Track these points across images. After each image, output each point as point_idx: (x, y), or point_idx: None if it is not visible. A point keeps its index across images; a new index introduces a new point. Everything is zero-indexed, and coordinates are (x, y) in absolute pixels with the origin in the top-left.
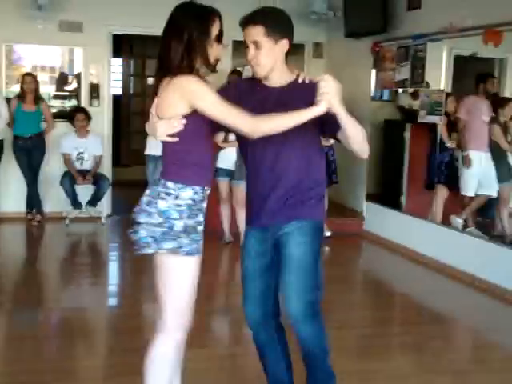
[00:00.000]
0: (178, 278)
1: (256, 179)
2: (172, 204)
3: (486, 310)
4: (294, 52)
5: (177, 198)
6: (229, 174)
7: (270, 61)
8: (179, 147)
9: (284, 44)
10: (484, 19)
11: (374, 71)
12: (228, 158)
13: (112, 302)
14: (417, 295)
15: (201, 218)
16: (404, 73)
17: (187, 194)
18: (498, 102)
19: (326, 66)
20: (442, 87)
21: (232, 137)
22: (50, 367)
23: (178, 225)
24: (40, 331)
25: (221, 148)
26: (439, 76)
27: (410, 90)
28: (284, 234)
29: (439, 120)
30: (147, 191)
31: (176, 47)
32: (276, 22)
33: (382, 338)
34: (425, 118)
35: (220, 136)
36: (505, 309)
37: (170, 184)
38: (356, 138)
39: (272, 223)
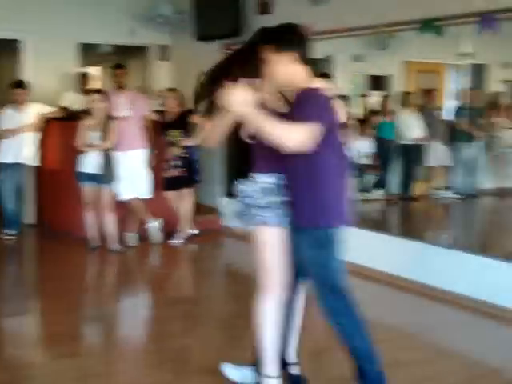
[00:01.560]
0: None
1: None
2: None
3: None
4: (139, 55)
5: None
6: (92, 178)
7: None
8: None
9: None
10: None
11: None
12: (91, 162)
13: None
14: None
15: None
16: None
17: None
18: None
19: (173, 69)
20: None
21: (96, 141)
22: None
23: None
24: None
25: (82, 152)
26: None
27: None
28: None
29: None
30: None
31: None
32: None
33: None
34: None
35: (81, 140)
36: (366, 285)
37: None
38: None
39: None
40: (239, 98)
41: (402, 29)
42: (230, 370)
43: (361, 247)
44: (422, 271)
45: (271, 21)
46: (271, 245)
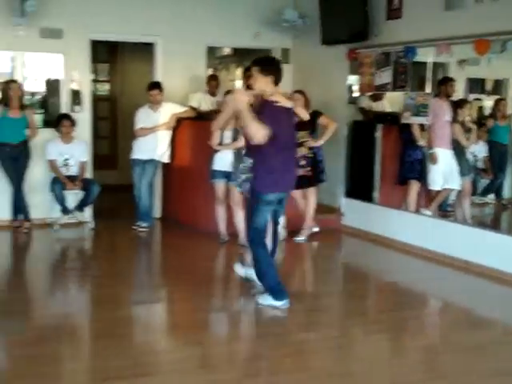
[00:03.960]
0: None
1: None
2: None
3: (470, 288)
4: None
5: None
6: (225, 175)
7: None
8: None
9: None
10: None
11: (349, 76)
12: (224, 160)
13: (101, 306)
14: (405, 281)
15: None
16: (385, 77)
17: None
18: (457, 103)
19: (294, 71)
20: (427, 91)
21: (227, 140)
22: (35, 373)
23: None
24: (27, 338)
25: (216, 151)
26: (423, 80)
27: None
28: None
29: (426, 121)
30: None
31: None
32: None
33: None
34: (409, 119)
35: (215, 140)
36: (491, 286)
37: None
38: (247, 127)
39: None
40: (243, 99)
41: None
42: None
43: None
44: None
45: (400, 26)
46: None
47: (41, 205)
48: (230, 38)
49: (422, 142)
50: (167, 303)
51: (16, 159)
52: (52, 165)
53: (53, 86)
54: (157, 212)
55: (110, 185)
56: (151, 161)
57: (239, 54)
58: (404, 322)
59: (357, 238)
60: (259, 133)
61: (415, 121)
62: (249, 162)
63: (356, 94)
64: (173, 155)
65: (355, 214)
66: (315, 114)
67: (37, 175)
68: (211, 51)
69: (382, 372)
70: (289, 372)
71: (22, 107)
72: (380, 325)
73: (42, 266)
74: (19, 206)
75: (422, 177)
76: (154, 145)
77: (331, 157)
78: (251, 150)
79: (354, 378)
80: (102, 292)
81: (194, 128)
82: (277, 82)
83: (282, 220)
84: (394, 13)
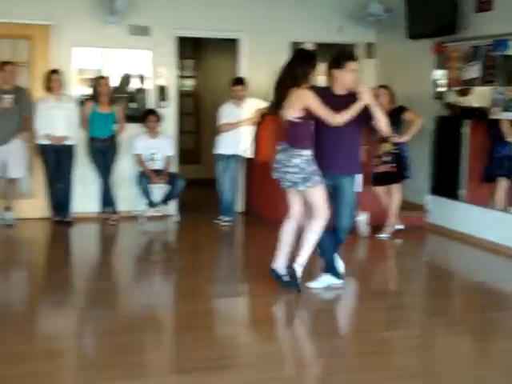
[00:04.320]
0: None
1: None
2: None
3: None
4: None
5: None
6: None
7: None
8: None
9: None
10: None
11: (435, 71)
12: None
13: (184, 298)
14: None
15: None
16: (473, 72)
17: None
18: None
19: (378, 66)
20: None
21: None
22: (121, 361)
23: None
24: (114, 327)
25: None
26: None
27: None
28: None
29: None
30: None
31: None
32: None
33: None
34: (498, 114)
35: None
36: None
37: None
38: (379, 120)
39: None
40: (369, 94)
41: None
42: (315, 284)
43: None
44: None
45: (491, 18)
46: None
47: (127, 198)
48: (314, 33)
49: (511, 139)
50: (248, 297)
51: (104, 153)
52: (138, 159)
53: (139, 81)
54: (239, 206)
55: (194, 179)
56: (234, 156)
57: (322, 49)
58: (490, 323)
59: (442, 236)
60: (386, 124)
61: (504, 116)
62: (307, 152)
63: (442, 89)
64: (256, 150)
65: (441, 211)
66: (400, 110)
67: (124, 169)
68: (294, 46)
69: (465, 374)
70: (369, 370)
71: (111, 102)
72: (464, 325)
73: (128, 258)
74: (107, 198)
75: (511, 174)
76: (237, 140)
77: (416, 153)
78: (346, 135)
79: (435, 379)
80: (185, 284)
81: (277, 123)
82: None
83: (364, 216)
84: (484, 5)
